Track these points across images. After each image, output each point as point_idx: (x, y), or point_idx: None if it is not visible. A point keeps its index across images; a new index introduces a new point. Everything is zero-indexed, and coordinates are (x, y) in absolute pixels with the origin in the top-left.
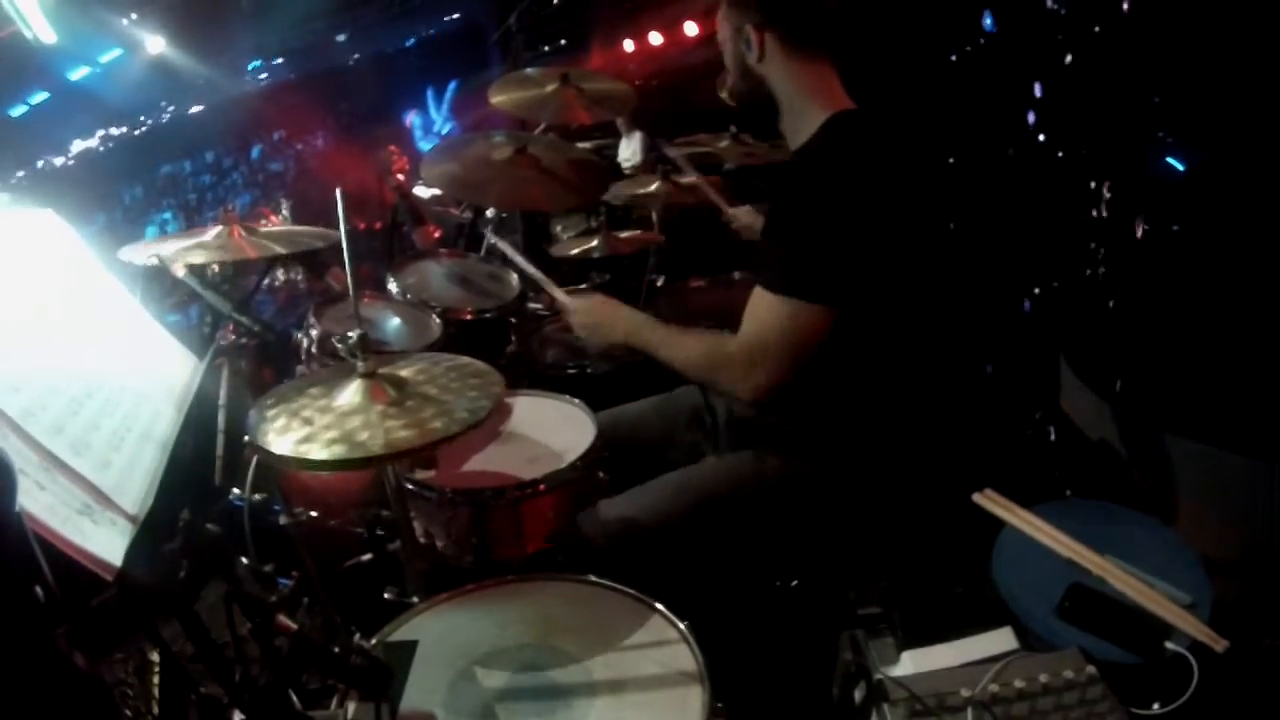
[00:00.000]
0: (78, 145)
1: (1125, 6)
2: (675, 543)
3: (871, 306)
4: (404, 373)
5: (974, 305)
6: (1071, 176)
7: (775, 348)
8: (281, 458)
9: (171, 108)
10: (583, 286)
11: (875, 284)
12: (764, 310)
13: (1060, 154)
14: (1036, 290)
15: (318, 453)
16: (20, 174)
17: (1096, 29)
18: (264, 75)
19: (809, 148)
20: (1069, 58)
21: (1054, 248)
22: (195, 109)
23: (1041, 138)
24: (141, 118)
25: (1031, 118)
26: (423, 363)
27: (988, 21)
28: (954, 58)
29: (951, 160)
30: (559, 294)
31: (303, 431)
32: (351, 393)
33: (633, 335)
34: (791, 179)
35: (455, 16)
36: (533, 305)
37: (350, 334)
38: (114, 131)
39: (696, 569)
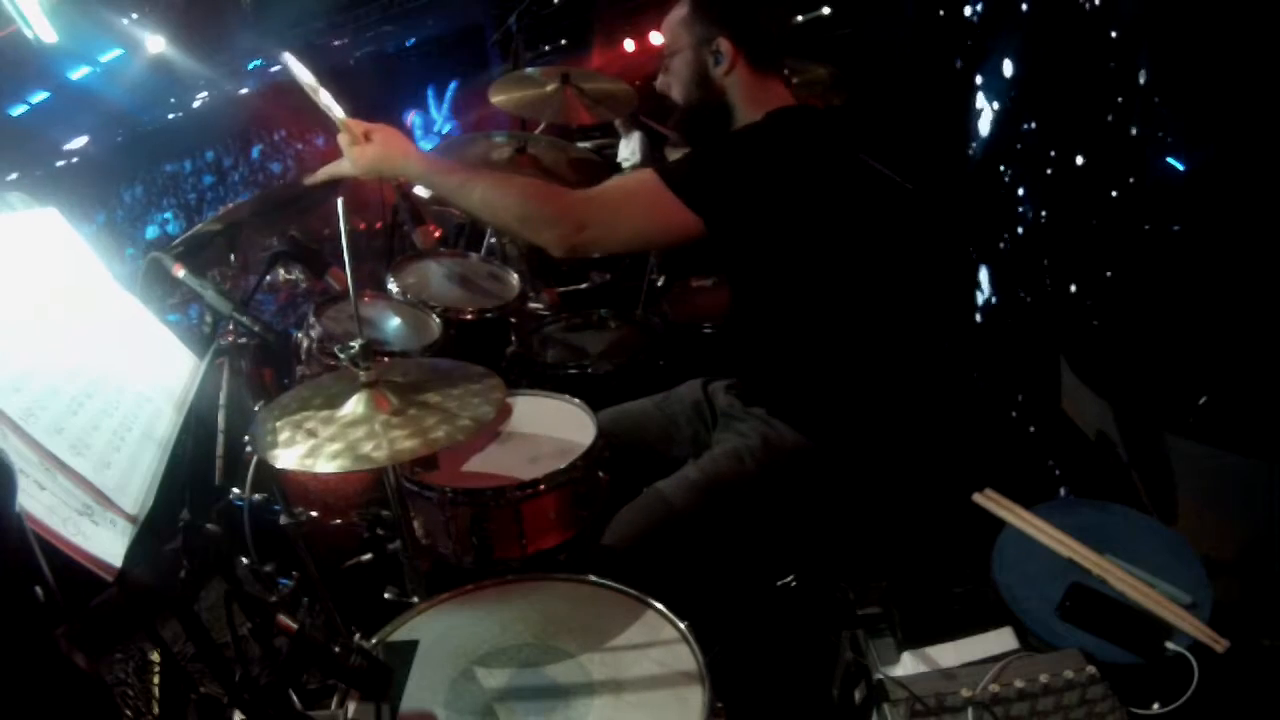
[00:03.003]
0: (78, 144)
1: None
2: (674, 551)
3: (787, 279)
4: (405, 380)
5: (974, 304)
6: (1072, 176)
7: (618, 216)
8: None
9: (176, 107)
10: (582, 286)
11: (767, 236)
12: (637, 183)
13: (1060, 155)
14: (1038, 290)
15: (323, 465)
16: (20, 174)
17: (1099, 24)
18: (264, 75)
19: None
20: (1071, 54)
21: (1055, 248)
22: (195, 109)
23: (1041, 138)
24: (142, 117)
25: (1031, 120)
26: (424, 369)
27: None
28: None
29: (952, 160)
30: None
31: (307, 444)
32: (354, 403)
33: (411, 161)
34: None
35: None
36: (533, 305)
37: (352, 343)
38: (114, 131)
39: (700, 574)
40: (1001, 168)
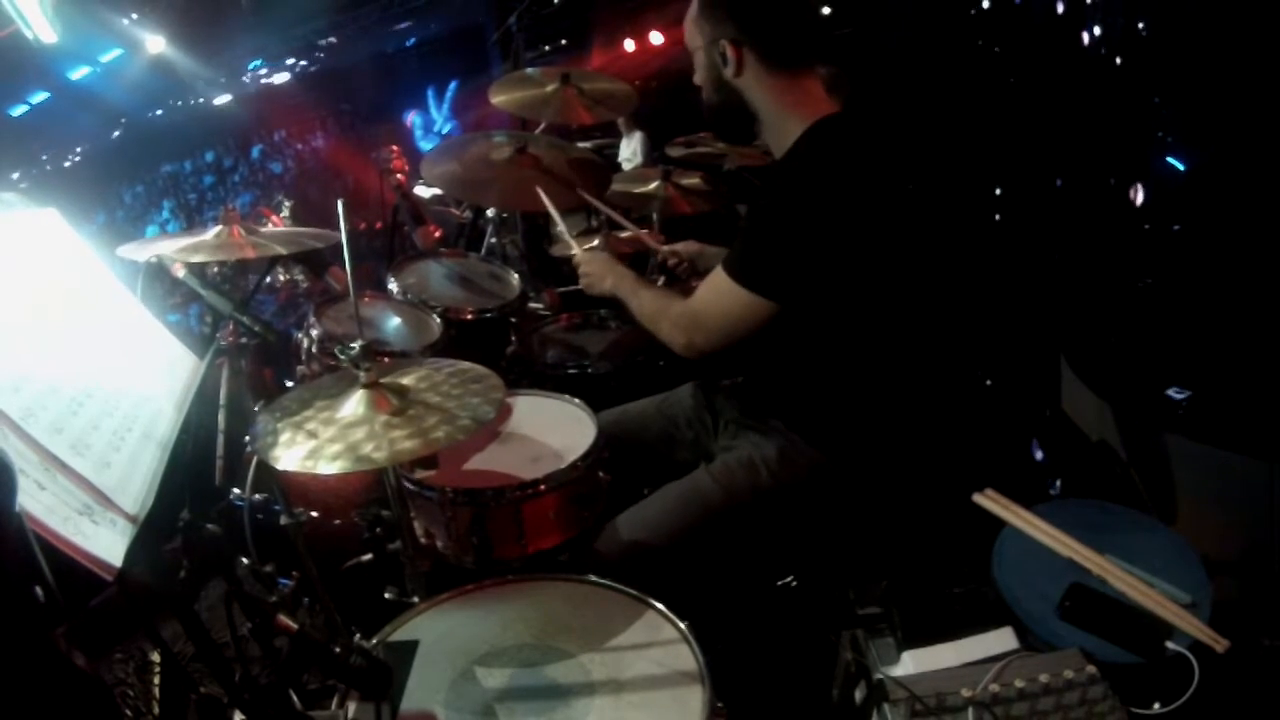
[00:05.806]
0: (78, 144)
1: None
2: (682, 558)
3: (833, 308)
4: (405, 380)
5: (975, 305)
6: (1073, 177)
7: (710, 322)
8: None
9: (177, 108)
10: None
11: (835, 289)
12: (714, 286)
13: (1062, 156)
14: (1039, 291)
15: (324, 466)
16: (20, 174)
17: (1098, 31)
18: (264, 75)
19: (792, 153)
20: (1068, 58)
21: (1056, 248)
22: (196, 109)
23: (1043, 139)
24: (139, 116)
25: (1036, 120)
26: (424, 369)
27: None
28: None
29: (954, 161)
30: (575, 247)
31: (308, 445)
32: (354, 403)
33: (616, 285)
34: (773, 180)
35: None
36: (533, 305)
37: (353, 344)
38: (115, 131)
39: (702, 576)
40: (1008, 167)
